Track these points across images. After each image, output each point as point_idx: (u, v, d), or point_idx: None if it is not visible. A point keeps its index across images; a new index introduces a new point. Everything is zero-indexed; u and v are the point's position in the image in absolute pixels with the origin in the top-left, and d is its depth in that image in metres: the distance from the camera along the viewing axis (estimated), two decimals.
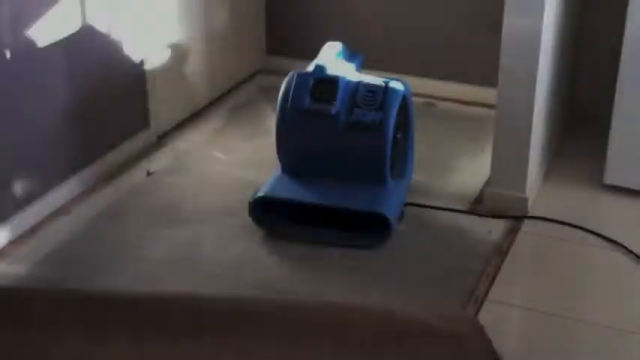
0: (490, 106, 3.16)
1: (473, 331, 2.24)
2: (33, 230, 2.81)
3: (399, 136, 2.84)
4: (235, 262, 2.68)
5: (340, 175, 2.79)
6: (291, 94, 2.80)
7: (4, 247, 2.71)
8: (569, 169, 3.21)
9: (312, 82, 2.79)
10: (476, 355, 2.14)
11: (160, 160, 3.28)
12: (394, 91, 2.78)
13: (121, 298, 2.32)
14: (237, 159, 3.32)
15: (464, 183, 3.12)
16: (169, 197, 3.04)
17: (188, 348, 2.16)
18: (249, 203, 2.78)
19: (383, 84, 2.79)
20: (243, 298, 2.33)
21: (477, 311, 2.40)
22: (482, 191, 3.00)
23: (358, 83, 2.80)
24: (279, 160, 2.86)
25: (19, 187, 2.77)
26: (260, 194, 2.77)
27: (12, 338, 2.17)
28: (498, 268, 2.61)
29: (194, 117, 3.63)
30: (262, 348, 2.16)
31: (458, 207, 2.95)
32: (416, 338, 2.18)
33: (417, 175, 3.05)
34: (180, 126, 3.54)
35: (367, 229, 2.76)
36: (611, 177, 3.02)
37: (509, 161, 2.87)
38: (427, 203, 2.96)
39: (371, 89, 2.78)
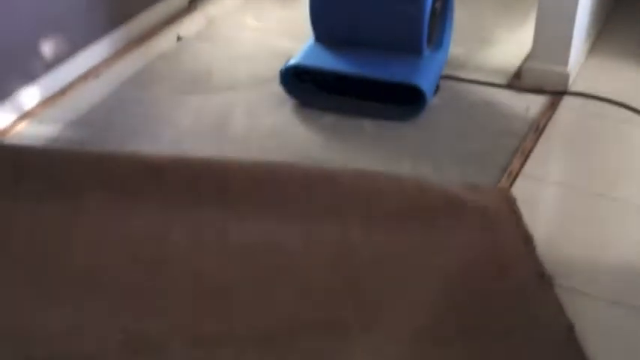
0: None
1: (503, 205, 2.21)
2: (62, 92, 2.78)
3: (437, 5, 2.73)
4: (265, 131, 2.64)
5: (375, 45, 2.70)
6: None
7: (34, 108, 2.70)
8: (613, 45, 3.08)
9: None
10: (505, 229, 2.11)
11: (190, 26, 3.21)
12: None
13: (147, 162, 2.30)
14: (270, 26, 3.23)
15: (503, 57, 3.01)
16: (200, 64, 2.98)
17: (213, 215, 2.15)
18: (281, 72, 2.71)
19: None
20: (269, 165, 2.30)
21: (510, 186, 2.35)
22: (521, 66, 2.90)
23: None
24: (313, 28, 2.76)
25: (48, 48, 2.73)
26: (292, 63, 2.69)
27: (33, 208, 2.18)
28: (534, 144, 2.54)
29: None
30: (287, 218, 2.15)
31: (496, 81, 2.85)
32: (444, 212, 2.15)
33: (455, 48, 2.94)
34: None
35: (401, 101, 2.69)
36: None
37: (552, 34, 2.74)
38: (464, 76, 2.88)
39: None
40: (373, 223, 2.12)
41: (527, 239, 2.08)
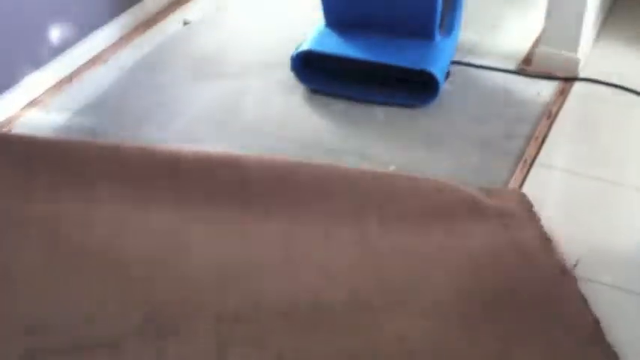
0: None
1: (520, 207, 2.20)
2: (70, 78, 2.75)
3: None
4: (277, 118, 2.62)
5: (387, 30, 2.67)
6: None
7: (42, 95, 2.66)
8: (619, 29, 3.07)
9: None
10: (523, 230, 2.10)
11: (196, 10, 3.17)
12: None
13: (161, 156, 2.28)
14: (276, 10, 3.19)
15: (511, 41, 3.00)
16: (208, 49, 2.95)
17: (230, 213, 2.14)
18: (292, 57, 2.68)
19: None
20: (286, 163, 2.28)
21: (526, 175, 2.35)
22: (531, 50, 2.89)
23: None
24: (324, 12, 2.73)
25: (54, 33, 2.69)
26: (304, 48, 2.67)
27: (48, 197, 2.16)
28: (547, 131, 2.53)
29: None
30: (305, 218, 2.13)
31: (506, 66, 2.84)
32: (462, 213, 2.15)
33: (464, 32, 2.92)
34: None
35: (413, 87, 2.67)
36: None
37: (563, 19, 2.72)
38: (474, 62, 2.86)
39: None
40: (391, 224, 2.12)
41: (546, 240, 2.07)
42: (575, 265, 1.99)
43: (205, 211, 2.14)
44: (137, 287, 1.91)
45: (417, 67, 2.61)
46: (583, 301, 1.89)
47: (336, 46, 2.68)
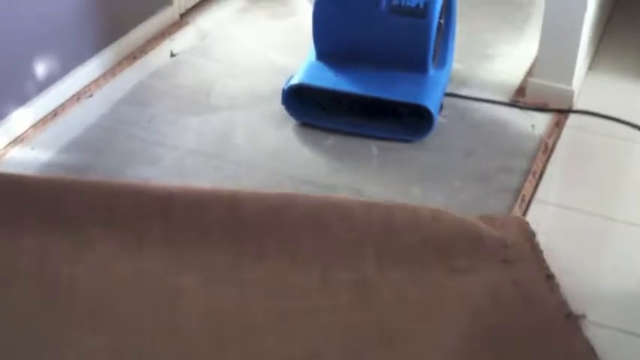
0: None
1: (522, 237, 2.15)
2: (55, 113, 2.67)
3: (441, 21, 2.67)
4: (269, 152, 2.56)
5: (380, 63, 2.63)
6: None
7: (26, 132, 2.59)
8: (611, 59, 3.05)
9: None
10: (525, 264, 2.06)
11: (183, 41, 3.11)
12: None
13: (152, 194, 2.21)
14: (264, 41, 3.14)
15: (504, 72, 2.96)
16: (196, 81, 2.89)
17: (224, 253, 2.08)
18: (283, 90, 2.63)
19: None
20: (279, 198, 2.21)
21: (525, 211, 2.30)
22: (524, 82, 2.85)
23: None
24: (315, 46, 2.68)
25: (38, 69, 2.62)
26: (295, 81, 2.61)
27: (39, 238, 2.09)
28: (544, 165, 2.49)
29: None
30: (301, 255, 2.07)
31: (499, 98, 2.80)
32: (461, 245, 2.09)
33: (456, 64, 2.88)
34: (202, 3, 3.35)
35: (407, 121, 2.62)
36: None
37: (557, 51, 2.69)
38: (466, 94, 2.82)
39: None
40: (389, 259, 2.06)
41: (549, 277, 2.01)
42: (583, 317, 1.93)
43: (198, 254, 2.08)
44: (128, 346, 1.83)
45: (413, 101, 2.56)
46: (589, 346, 1.83)
47: (328, 79, 2.62)
